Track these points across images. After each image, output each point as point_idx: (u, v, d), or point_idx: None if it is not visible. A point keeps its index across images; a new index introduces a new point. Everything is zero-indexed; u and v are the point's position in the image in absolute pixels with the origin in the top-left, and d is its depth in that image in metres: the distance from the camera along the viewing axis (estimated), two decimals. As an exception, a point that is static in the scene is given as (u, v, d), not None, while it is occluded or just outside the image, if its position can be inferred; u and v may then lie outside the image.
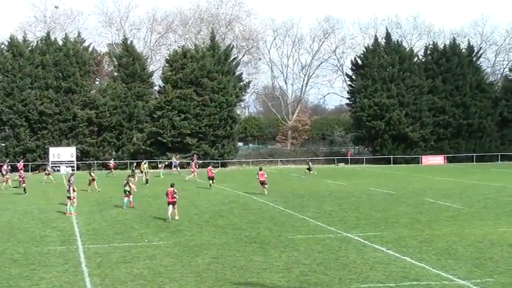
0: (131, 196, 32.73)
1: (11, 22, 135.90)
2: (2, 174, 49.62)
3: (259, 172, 40.31)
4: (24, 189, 41.17)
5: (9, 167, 54.01)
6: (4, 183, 46.02)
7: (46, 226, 26.25)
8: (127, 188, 32.61)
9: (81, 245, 21.57)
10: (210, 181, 43.99)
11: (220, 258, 18.98)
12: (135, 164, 57.84)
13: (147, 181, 48.06)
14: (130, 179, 33.92)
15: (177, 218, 27.49)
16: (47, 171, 53.12)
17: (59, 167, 67.36)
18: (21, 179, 42.80)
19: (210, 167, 46.29)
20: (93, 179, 43.07)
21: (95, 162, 71.48)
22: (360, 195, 37.93)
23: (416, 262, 18.25)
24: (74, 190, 30.88)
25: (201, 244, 21.42)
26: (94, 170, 45.54)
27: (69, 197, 30.61)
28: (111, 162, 61.51)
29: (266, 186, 39.10)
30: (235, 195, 38.44)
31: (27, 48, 76.12)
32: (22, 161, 60.48)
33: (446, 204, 32.28)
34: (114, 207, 32.80)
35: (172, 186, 28.32)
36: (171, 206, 27.61)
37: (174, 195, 27.66)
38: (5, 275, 17.29)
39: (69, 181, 31.90)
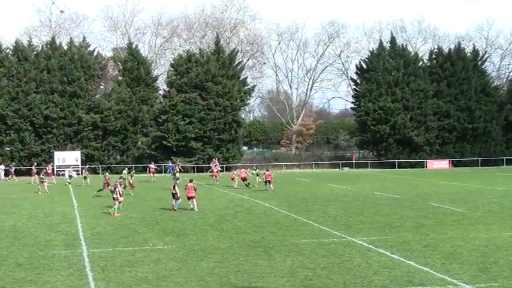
0: (180, 200, 32.67)
1: (16, 26, 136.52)
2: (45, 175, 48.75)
3: (267, 173, 45.14)
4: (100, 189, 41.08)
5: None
6: (39, 186, 45.93)
7: (51, 230, 26.28)
8: (174, 191, 32.74)
9: (86, 249, 21.58)
10: (244, 182, 46.90)
11: (224, 263, 18.98)
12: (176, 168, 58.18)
13: (125, 187, 46.77)
14: (177, 182, 34.15)
15: (196, 209, 31.62)
16: (84, 175, 53.07)
17: (63, 171, 67.49)
18: (105, 182, 41.93)
19: (243, 170, 50.25)
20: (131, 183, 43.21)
21: (100, 166, 71.62)
22: (364, 199, 37.89)
23: (420, 266, 18.21)
24: (120, 192, 31.82)
25: (206, 248, 21.42)
26: (133, 174, 45.92)
27: (114, 198, 31.50)
28: (152, 166, 60.77)
29: (271, 185, 43.59)
30: (239, 200, 38.44)
31: (32, 53, 76.39)
32: (50, 165, 61.00)
33: (451, 208, 32.21)
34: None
35: (191, 181, 32.80)
36: (191, 200, 31.91)
37: (194, 190, 32.16)
38: (9, 279, 17.31)
39: (115, 182, 32.68)
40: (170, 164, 64.83)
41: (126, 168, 53.45)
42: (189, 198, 32.00)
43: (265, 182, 44.28)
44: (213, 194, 42.23)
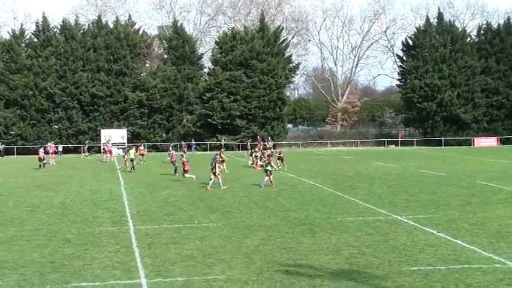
0: (271, 176, 33.25)
1: (63, 6, 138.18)
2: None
3: (279, 150, 49.22)
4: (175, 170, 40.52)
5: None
6: (125, 162, 46.03)
7: (98, 207, 26.71)
8: (268, 168, 33.53)
9: (132, 226, 21.86)
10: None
11: (269, 240, 19.02)
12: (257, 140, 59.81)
13: (133, 167, 44.52)
14: (271, 158, 35.45)
15: (194, 179, 35.40)
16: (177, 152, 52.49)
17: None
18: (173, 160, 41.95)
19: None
20: (223, 161, 42.04)
21: (146, 144, 72.25)
22: (410, 177, 37.49)
23: (467, 245, 17.95)
24: (219, 168, 33.05)
25: (251, 226, 21.50)
26: (224, 151, 46.14)
27: (214, 173, 32.40)
28: (184, 144, 61.44)
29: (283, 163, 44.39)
30: (284, 177, 38.37)
31: (79, 32, 77.39)
32: (110, 143, 61.79)
33: (499, 186, 31.63)
34: (163, 188, 33.17)
35: (183, 156, 38.17)
36: (187, 173, 36.22)
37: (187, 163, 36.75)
38: (59, 254, 17.66)
39: (214, 159, 33.33)
40: (193, 142, 65.86)
41: (133, 147, 50.01)
42: (186, 171, 36.37)
43: (277, 158, 44.03)
44: (257, 172, 42.22)
